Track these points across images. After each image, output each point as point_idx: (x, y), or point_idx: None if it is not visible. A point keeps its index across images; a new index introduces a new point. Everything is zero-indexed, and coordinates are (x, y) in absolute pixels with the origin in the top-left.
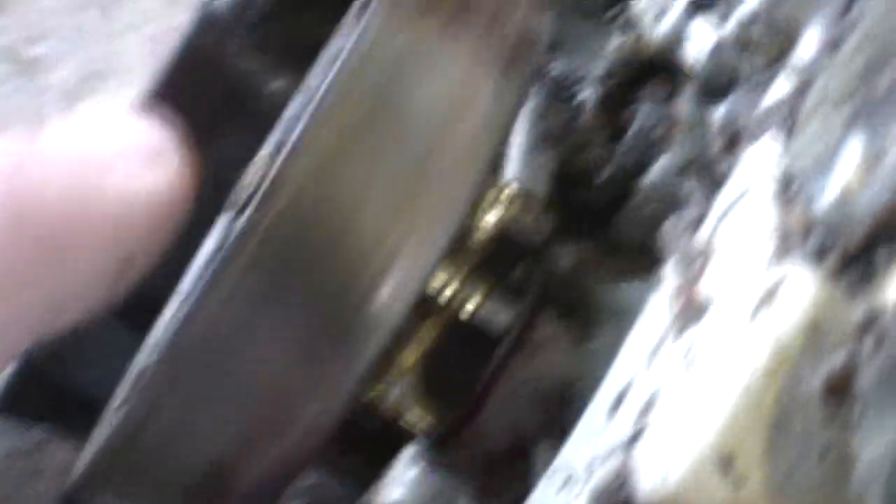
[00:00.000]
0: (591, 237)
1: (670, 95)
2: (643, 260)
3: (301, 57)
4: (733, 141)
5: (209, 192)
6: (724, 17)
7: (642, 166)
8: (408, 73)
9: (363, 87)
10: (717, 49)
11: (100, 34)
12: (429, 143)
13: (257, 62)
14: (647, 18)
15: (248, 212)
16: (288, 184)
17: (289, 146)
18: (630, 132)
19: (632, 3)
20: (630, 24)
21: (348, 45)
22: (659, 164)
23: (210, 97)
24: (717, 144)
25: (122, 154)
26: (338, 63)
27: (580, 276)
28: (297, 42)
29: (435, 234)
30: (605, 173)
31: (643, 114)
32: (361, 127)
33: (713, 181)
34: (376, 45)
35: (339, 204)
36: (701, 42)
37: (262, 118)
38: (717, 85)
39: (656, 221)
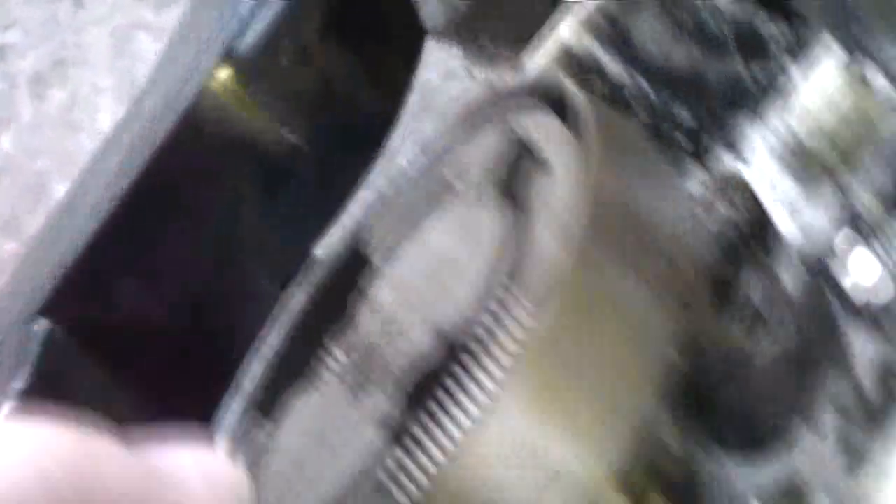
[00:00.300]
0: (699, 417)
1: (771, 266)
2: (752, 444)
3: (316, 107)
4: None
5: (218, 234)
6: (885, 249)
7: (749, 340)
8: (590, 315)
9: (547, 357)
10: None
11: (69, 25)
12: (611, 383)
13: (277, 109)
14: (764, 191)
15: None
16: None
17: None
18: (737, 303)
19: (722, 156)
20: (721, 181)
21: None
22: (768, 347)
23: (225, 139)
24: (868, 379)
25: (187, 481)
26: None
27: (688, 459)
28: (315, 91)
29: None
30: (715, 348)
31: (751, 285)
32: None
33: (863, 414)
34: (563, 289)
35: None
36: (864, 272)
37: (275, 167)
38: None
39: (767, 408)
